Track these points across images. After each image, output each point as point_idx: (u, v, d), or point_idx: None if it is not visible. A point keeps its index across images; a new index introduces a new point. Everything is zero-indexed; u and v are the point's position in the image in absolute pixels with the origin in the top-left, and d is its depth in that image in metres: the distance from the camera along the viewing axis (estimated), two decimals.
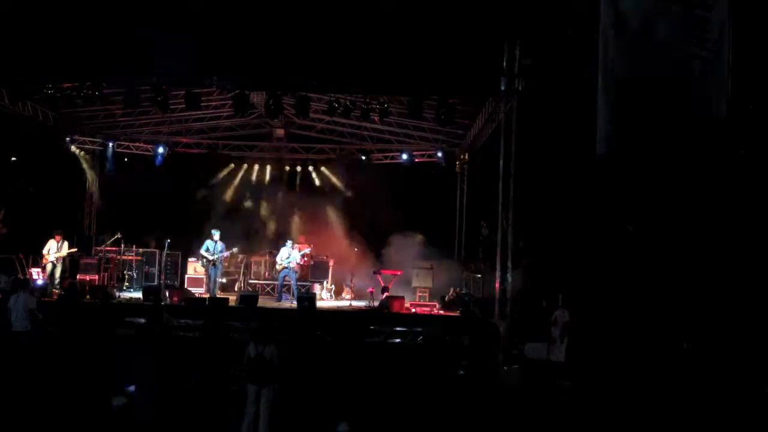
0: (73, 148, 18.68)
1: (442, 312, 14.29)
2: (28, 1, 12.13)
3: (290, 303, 14.87)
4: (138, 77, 13.01)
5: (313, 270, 17.13)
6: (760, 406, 9.65)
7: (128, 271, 16.49)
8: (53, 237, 15.06)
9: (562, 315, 11.17)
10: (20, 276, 14.07)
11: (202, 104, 15.46)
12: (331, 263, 17.36)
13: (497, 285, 12.56)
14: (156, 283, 16.46)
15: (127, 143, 19.53)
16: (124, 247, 16.37)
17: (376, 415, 7.92)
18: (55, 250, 14.95)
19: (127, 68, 12.54)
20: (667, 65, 11.75)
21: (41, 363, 9.00)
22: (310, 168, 20.08)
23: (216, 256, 14.92)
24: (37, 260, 15.45)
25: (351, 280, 15.95)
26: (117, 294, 14.66)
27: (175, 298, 13.65)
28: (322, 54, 12.25)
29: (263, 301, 14.94)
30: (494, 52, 12.13)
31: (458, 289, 15.29)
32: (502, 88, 12.20)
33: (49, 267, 14.93)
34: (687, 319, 11.15)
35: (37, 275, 14.95)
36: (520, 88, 12.13)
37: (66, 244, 15.20)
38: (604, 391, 10.47)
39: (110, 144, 18.72)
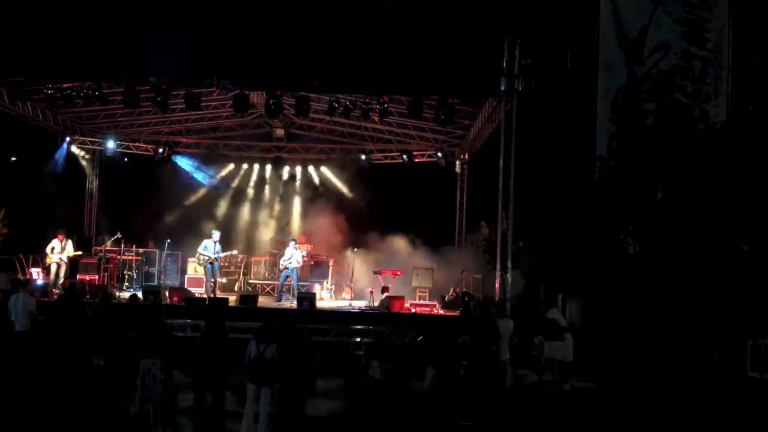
0: (73, 148, 18.66)
1: (442, 312, 14.28)
2: (28, 1, 12.14)
3: (290, 303, 14.86)
4: (138, 77, 13.00)
5: (313, 270, 17.12)
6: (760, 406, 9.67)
7: (128, 271, 16.47)
8: (56, 236, 15.08)
9: (560, 315, 11.21)
10: (20, 276, 14.07)
11: (202, 104, 15.45)
12: (331, 263, 17.36)
13: (497, 285, 12.57)
14: (156, 283, 16.46)
15: (127, 143, 19.53)
16: (124, 247, 16.36)
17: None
18: (59, 249, 14.97)
19: (126, 68, 12.54)
20: (667, 65, 11.76)
21: (41, 363, 8.99)
22: (310, 168, 20.08)
23: (214, 256, 14.95)
24: (38, 260, 15.45)
25: (351, 280, 15.94)
26: (117, 294, 14.65)
27: (175, 298, 13.64)
28: (322, 54, 12.25)
29: (263, 301, 14.93)
30: (494, 52, 12.13)
31: (458, 289, 15.29)
32: (502, 88, 12.20)
33: (53, 267, 14.94)
34: (687, 319, 11.15)
35: (37, 275, 14.94)
36: (520, 88, 12.13)
37: (70, 243, 15.21)
38: (605, 392, 10.48)
39: (110, 143, 18.73)
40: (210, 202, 19.59)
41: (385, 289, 14.75)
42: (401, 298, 14.10)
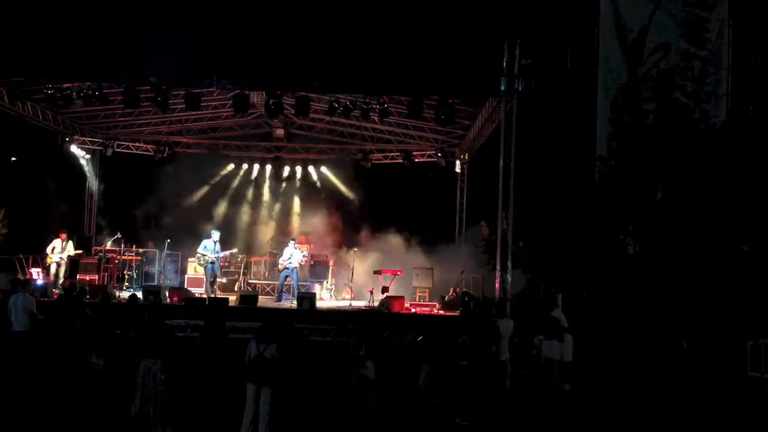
0: (73, 148, 18.66)
1: (442, 312, 14.28)
2: (29, 1, 12.13)
3: (290, 303, 14.86)
4: (138, 77, 12.99)
5: (313, 270, 17.13)
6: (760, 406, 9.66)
7: (128, 271, 16.47)
8: (58, 236, 15.11)
9: (562, 315, 11.19)
10: (20, 276, 14.06)
11: (202, 104, 15.45)
12: (331, 263, 17.36)
13: (497, 285, 12.56)
14: (156, 283, 16.45)
15: (127, 143, 19.52)
16: (124, 247, 16.36)
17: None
18: (59, 249, 14.99)
19: (126, 68, 12.54)
20: (667, 65, 11.76)
21: (41, 363, 8.99)
22: (310, 168, 20.08)
23: (215, 255, 14.95)
24: (38, 260, 15.45)
25: (351, 280, 15.95)
26: (117, 294, 14.65)
27: (175, 298, 13.64)
28: (323, 54, 12.26)
29: (263, 301, 14.93)
30: (494, 52, 12.13)
31: (458, 289, 15.28)
32: (502, 88, 12.19)
33: (53, 267, 14.96)
34: (686, 319, 11.16)
35: (37, 275, 14.94)
36: (520, 88, 12.13)
37: (71, 243, 15.24)
38: (605, 392, 10.48)
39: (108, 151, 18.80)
40: (209, 202, 19.59)
41: (385, 289, 14.74)
42: (401, 298, 14.09)
